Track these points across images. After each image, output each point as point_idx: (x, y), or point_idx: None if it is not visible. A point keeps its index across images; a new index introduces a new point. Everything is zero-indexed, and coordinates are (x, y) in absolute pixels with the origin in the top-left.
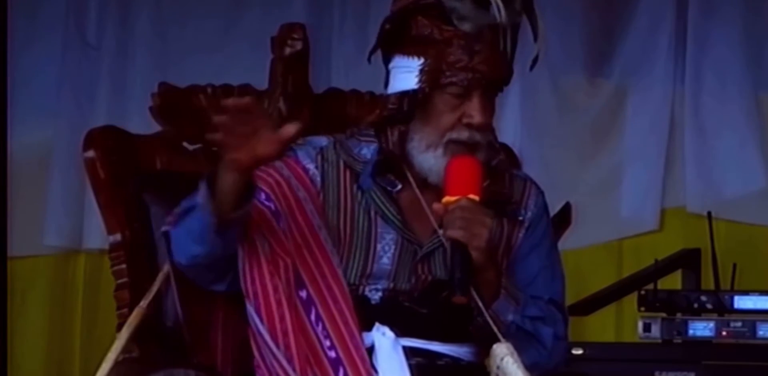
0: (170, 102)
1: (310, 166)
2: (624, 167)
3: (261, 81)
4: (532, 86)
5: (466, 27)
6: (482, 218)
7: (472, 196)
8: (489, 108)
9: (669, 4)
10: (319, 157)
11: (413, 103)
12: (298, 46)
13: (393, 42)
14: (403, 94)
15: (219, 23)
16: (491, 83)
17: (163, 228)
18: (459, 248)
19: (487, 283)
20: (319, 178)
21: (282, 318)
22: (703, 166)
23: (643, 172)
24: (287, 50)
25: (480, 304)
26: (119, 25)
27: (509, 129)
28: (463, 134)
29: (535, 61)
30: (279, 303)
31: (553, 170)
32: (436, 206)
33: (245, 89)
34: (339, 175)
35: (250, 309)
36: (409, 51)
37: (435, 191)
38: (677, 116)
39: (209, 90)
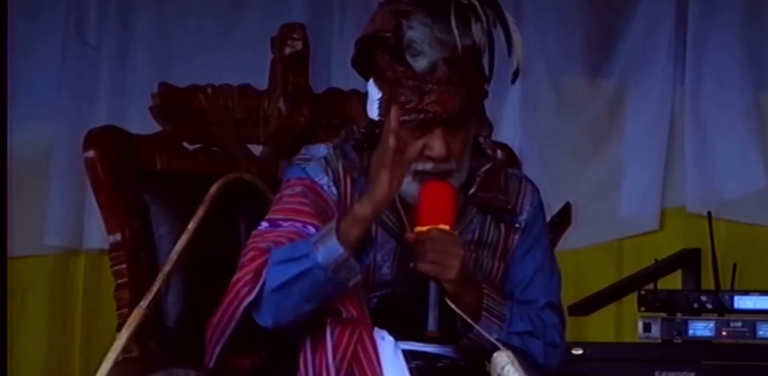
0: (170, 102)
1: (324, 181)
2: (624, 167)
3: (261, 81)
4: (532, 86)
5: (419, 64)
6: (453, 248)
7: (442, 226)
8: (459, 136)
9: (669, 5)
10: (328, 169)
11: (374, 133)
12: (298, 46)
13: (365, 66)
14: (371, 122)
15: (219, 24)
16: (449, 118)
17: (249, 299)
18: (430, 281)
19: (465, 308)
20: (334, 189)
21: (350, 339)
22: (703, 166)
23: (643, 172)
24: (287, 50)
25: (459, 326)
26: (119, 25)
27: (509, 129)
28: (428, 166)
29: (515, 74)
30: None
31: (553, 170)
32: (408, 235)
33: (245, 89)
34: (343, 183)
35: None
36: (375, 80)
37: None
38: (677, 116)
39: (209, 90)
